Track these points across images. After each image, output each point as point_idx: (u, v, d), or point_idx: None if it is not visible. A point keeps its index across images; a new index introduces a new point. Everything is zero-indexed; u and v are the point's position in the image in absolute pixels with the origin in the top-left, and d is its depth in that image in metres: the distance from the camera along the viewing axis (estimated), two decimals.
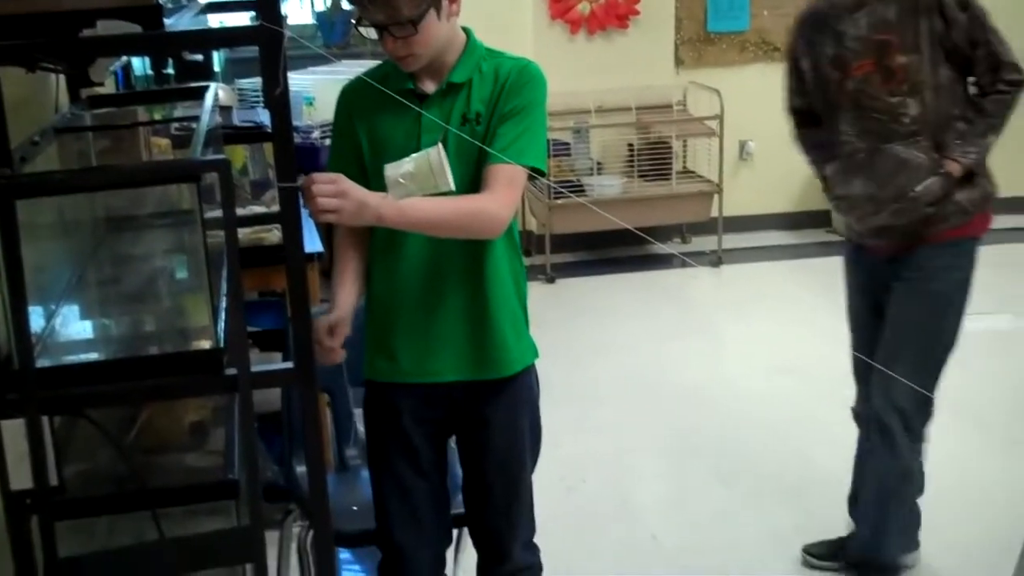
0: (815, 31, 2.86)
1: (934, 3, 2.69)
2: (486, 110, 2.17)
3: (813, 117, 2.99)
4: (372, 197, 1.97)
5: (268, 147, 3.48)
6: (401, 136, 2.17)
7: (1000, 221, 7.03)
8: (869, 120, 2.78)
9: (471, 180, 2.14)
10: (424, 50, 2.12)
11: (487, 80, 2.19)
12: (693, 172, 6.40)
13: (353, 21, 2.16)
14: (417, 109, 2.14)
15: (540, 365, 2.35)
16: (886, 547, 3.02)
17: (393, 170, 1.98)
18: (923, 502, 3.56)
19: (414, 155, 1.99)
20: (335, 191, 1.90)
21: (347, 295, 2.22)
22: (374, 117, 2.21)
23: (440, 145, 1.98)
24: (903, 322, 2.87)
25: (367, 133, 2.22)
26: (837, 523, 3.46)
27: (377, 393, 2.33)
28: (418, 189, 1.97)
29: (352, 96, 2.27)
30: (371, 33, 2.11)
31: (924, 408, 2.92)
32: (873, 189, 2.78)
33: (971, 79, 2.79)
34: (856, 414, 3.11)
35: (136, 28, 1.57)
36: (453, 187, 1.98)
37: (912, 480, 3.00)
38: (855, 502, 3.14)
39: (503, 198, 2.11)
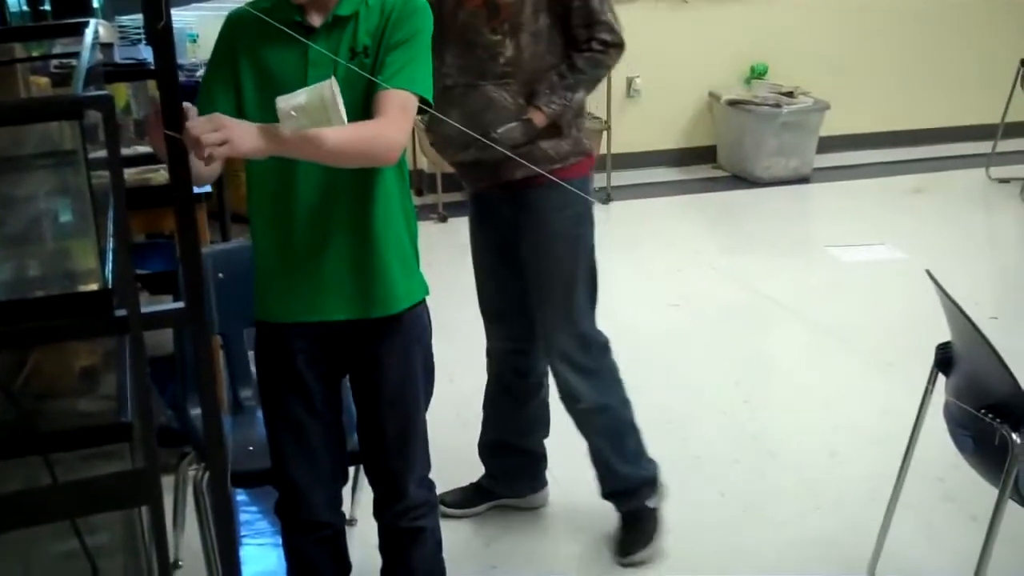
0: None
1: None
2: (373, 43, 2.16)
3: None
4: (263, 126, 1.95)
5: (152, 85, 3.40)
6: (288, 69, 2.15)
7: (883, 155, 7.28)
8: (471, 56, 2.74)
9: (360, 114, 2.12)
10: None
11: (373, 12, 2.17)
12: None
13: None
14: (305, 42, 2.10)
15: (432, 303, 2.36)
16: (634, 472, 3.07)
17: (285, 102, 1.94)
18: (806, 424, 3.70)
19: (307, 88, 1.96)
20: (216, 127, 1.82)
21: None
22: (259, 50, 2.17)
23: (334, 79, 1.94)
24: (538, 269, 2.90)
25: (252, 66, 2.18)
26: (725, 453, 3.57)
27: (268, 334, 2.32)
28: (310, 123, 1.94)
29: (237, 27, 2.21)
30: None
31: (593, 345, 2.96)
32: (464, 124, 2.69)
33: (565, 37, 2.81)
34: (489, 353, 3.15)
35: None
36: (346, 123, 1.95)
37: (627, 405, 3.06)
38: (489, 449, 3.25)
39: (397, 123, 2.09)
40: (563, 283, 2.90)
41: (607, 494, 3.09)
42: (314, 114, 1.93)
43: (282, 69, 2.15)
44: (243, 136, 1.89)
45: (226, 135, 1.83)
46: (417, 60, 2.16)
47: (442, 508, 2.99)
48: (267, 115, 2.01)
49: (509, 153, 2.58)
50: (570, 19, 2.78)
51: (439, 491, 2.51)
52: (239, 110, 2.16)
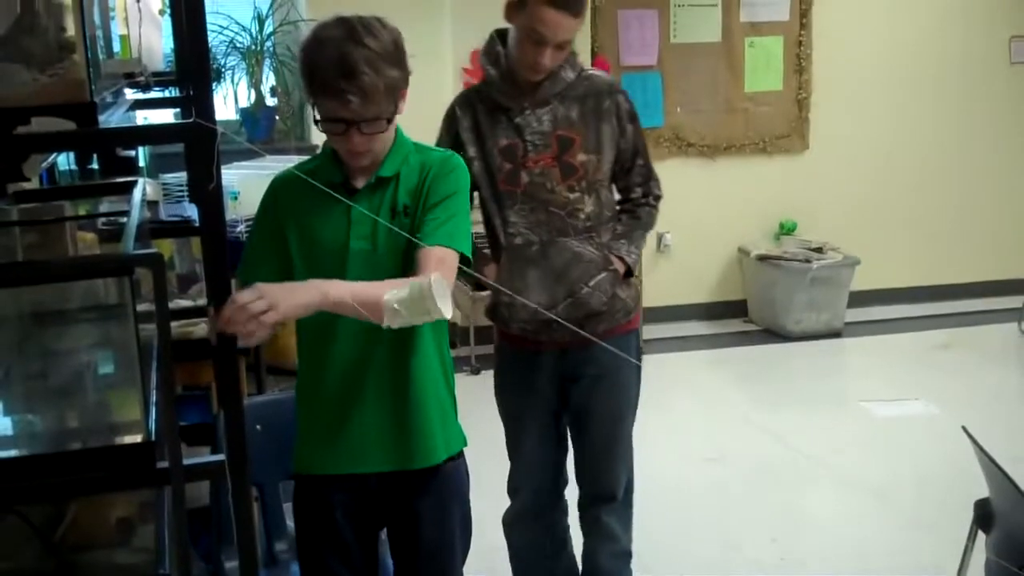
0: (488, 119, 2.79)
1: (612, 110, 2.80)
2: (412, 202, 2.21)
3: None
4: (307, 283, 1.99)
5: (195, 241, 3.49)
6: (330, 229, 2.20)
7: (914, 310, 7.26)
8: (544, 213, 2.78)
9: (401, 272, 2.15)
10: (383, 146, 2.18)
11: (413, 171, 2.23)
12: None
13: (316, 118, 2.15)
14: (347, 202, 2.16)
15: (469, 456, 2.37)
16: None
17: (393, 298, 1.98)
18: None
19: (410, 281, 1.99)
20: (259, 295, 1.86)
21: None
22: (303, 211, 2.23)
23: (435, 275, 1.98)
24: (610, 416, 2.94)
25: (296, 227, 2.23)
26: None
27: (307, 487, 2.33)
28: (410, 315, 1.98)
29: (281, 190, 2.27)
30: (334, 129, 2.10)
31: (631, 488, 3.05)
32: (548, 282, 2.78)
33: (617, 185, 2.94)
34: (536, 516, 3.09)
35: (70, 125, 1.60)
36: (450, 315, 1.99)
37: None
38: None
39: (431, 269, 2.10)
40: (627, 427, 2.98)
41: None
42: (413, 306, 1.98)
43: (325, 230, 2.20)
44: (287, 298, 1.92)
45: (270, 300, 1.87)
46: (456, 217, 2.20)
47: None
48: (312, 276, 2.06)
49: (600, 308, 2.75)
50: (628, 176, 2.91)
51: None
52: (285, 274, 2.20)
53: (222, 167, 1.64)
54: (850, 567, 3.76)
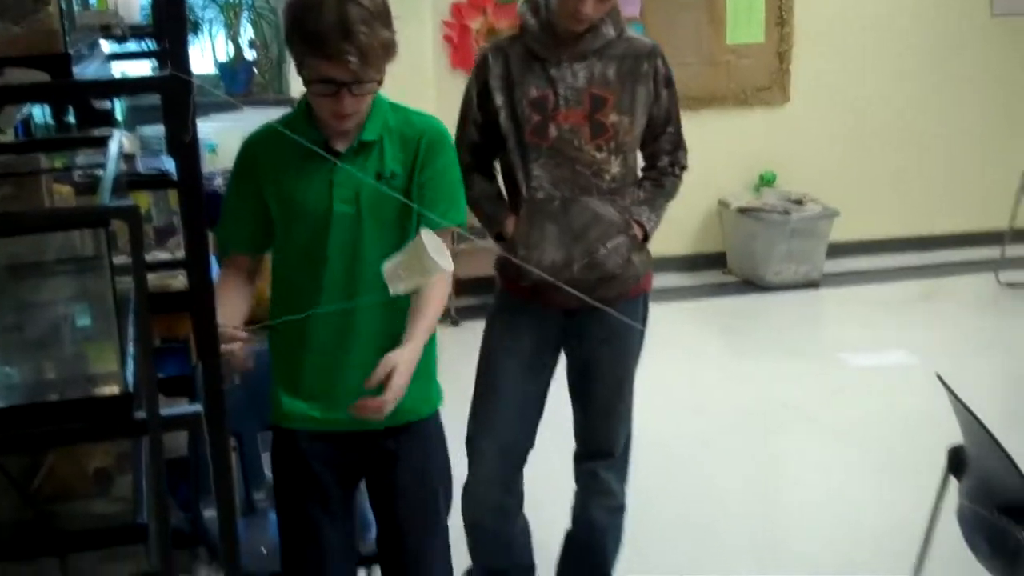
0: (520, 68, 2.73)
1: (650, 74, 2.76)
2: (403, 170, 2.22)
3: (484, 155, 2.88)
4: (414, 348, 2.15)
5: (172, 194, 3.47)
6: (313, 192, 2.19)
7: (893, 260, 7.32)
8: (569, 170, 2.72)
9: (390, 236, 2.20)
10: (367, 109, 2.17)
11: (395, 138, 2.23)
12: None
13: (306, 79, 2.14)
14: (333, 160, 2.15)
15: (446, 407, 2.39)
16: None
17: (389, 266, 2.00)
18: (823, 528, 3.68)
19: (402, 249, 2.02)
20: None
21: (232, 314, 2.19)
22: (283, 172, 2.21)
23: (424, 232, 1.98)
24: (616, 378, 2.91)
25: (276, 189, 2.22)
26: (741, 557, 3.55)
27: (285, 438, 2.34)
28: (413, 278, 2.00)
29: (258, 148, 2.26)
30: (326, 90, 2.10)
31: (629, 444, 3.03)
32: (566, 239, 2.73)
33: (644, 151, 2.89)
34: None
35: (44, 76, 1.58)
36: (451, 268, 2.00)
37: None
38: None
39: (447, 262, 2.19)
40: (629, 386, 2.96)
41: None
42: (414, 268, 1.99)
43: (308, 192, 2.20)
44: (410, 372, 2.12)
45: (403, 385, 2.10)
46: (457, 191, 2.30)
47: None
48: (291, 238, 2.13)
49: (615, 270, 2.72)
50: (657, 143, 2.87)
51: None
52: (265, 235, 2.23)
53: (200, 120, 1.63)
54: (827, 513, 3.82)
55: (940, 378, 2.55)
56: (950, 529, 2.62)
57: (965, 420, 2.49)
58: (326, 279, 2.20)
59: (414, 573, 2.38)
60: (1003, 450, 2.29)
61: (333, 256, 2.21)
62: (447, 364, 2.54)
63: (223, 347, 1.90)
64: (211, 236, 2.02)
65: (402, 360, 2.09)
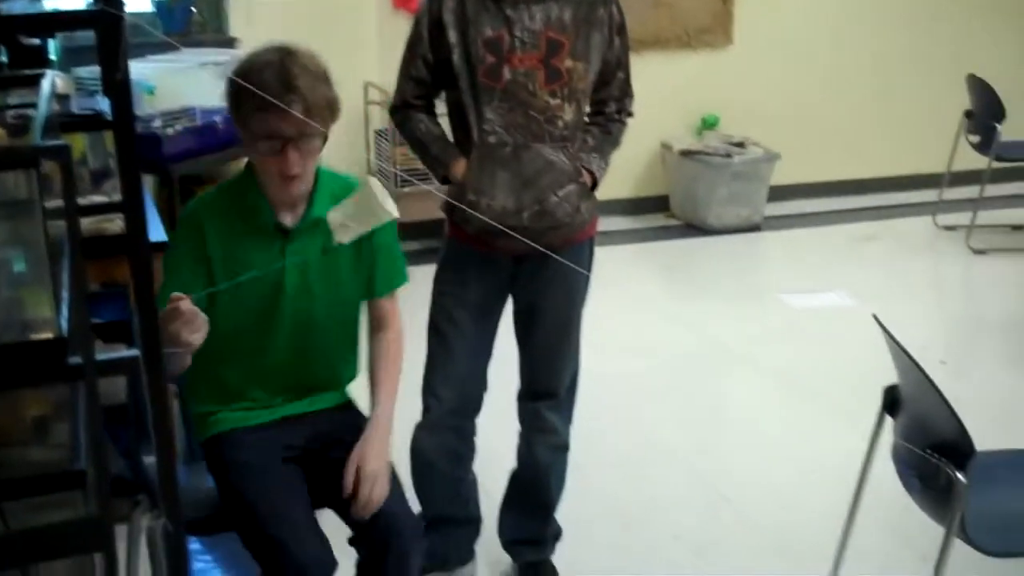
0: (475, 5, 2.65)
1: (605, 19, 2.74)
2: (352, 246, 2.29)
3: (430, 94, 2.84)
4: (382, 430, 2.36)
5: (108, 136, 3.41)
6: (262, 263, 2.27)
7: (832, 203, 7.38)
8: (521, 115, 2.67)
9: (336, 302, 2.39)
10: (311, 174, 2.27)
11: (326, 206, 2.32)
12: None
13: (251, 140, 2.23)
14: (276, 244, 2.32)
15: None
16: (556, 523, 3.16)
17: (336, 215, 2.03)
18: (760, 467, 3.74)
19: (350, 198, 2.06)
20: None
21: None
22: (231, 240, 2.28)
23: (371, 178, 2.04)
24: (563, 321, 2.92)
25: (223, 255, 2.28)
26: (679, 496, 3.60)
27: (221, 440, 2.44)
28: (361, 226, 2.04)
29: (204, 214, 2.30)
30: (271, 147, 2.20)
31: (576, 383, 3.05)
32: (516, 186, 2.69)
33: (592, 96, 2.85)
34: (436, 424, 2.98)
35: None
36: (397, 214, 2.05)
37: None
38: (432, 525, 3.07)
39: (398, 320, 2.55)
40: (575, 328, 2.95)
41: (531, 540, 3.11)
42: (360, 213, 2.02)
43: (256, 263, 2.28)
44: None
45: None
46: (397, 255, 2.51)
47: None
48: (238, 299, 2.25)
49: (564, 219, 2.70)
50: (607, 88, 2.84)
51: None
52: (206, 287, 2.28)
53: (137, 61, 1.60)
54: (765, 453, 3.88)
55: (876, 319, 2.59)
56: (886, 467, 2.67)
57: (900, 360, 2.53)
58: (274, 346, 2.37)
59: (385, 533, 2.38)
60: (936, 389, 2.34)
61: (282, 322, 2.37)
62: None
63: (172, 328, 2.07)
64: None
65: (371, 458, 2.30)
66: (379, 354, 2.47)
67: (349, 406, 2.59)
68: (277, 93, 2.14)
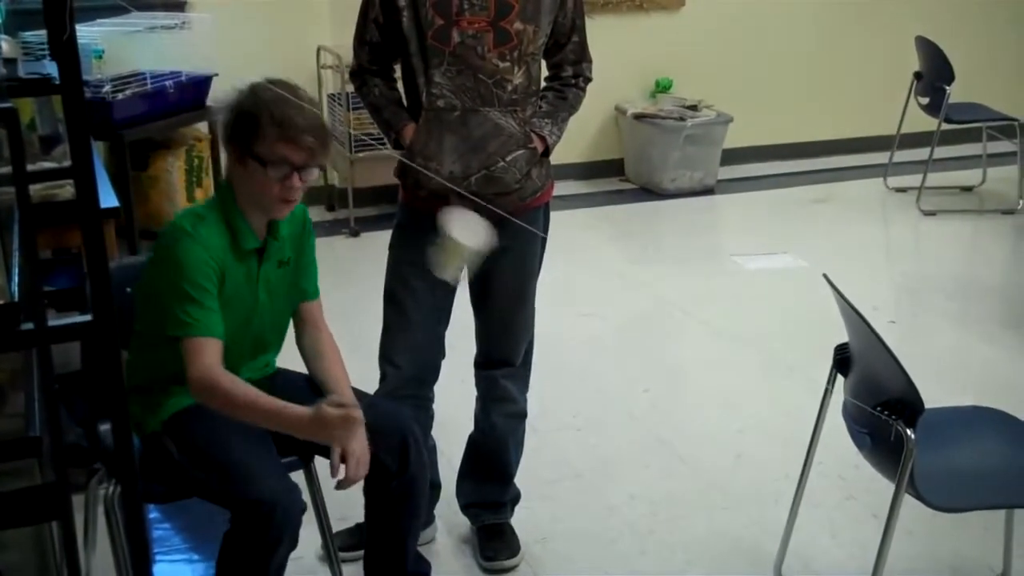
0: None
1: None
2: (294, 254, 2.55)
3: (384, 58, 2.82)
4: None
5: (57, 101, 3.36)
6: (244, 284, 2.45)
7: (785, 166, 7.44)
8: (470, 78, 2.66)
9: (282, 311, 2.58)
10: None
11: (287, 225, 2.51)
12: None
13: (262, 162, 2.35)
14: (255, 263, 2.47)
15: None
16: (514, 486, 3.17)
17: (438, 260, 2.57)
18: (714, 426, 3.78)
19: (442, 247, 2.55)
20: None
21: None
22: (227, 264, 2.41)
23: (449, 222, 2.52)
24: (517, 288, 2.91)
25: (221, 279, 2.39)
26: (635, 455, 3.63)
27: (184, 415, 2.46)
28: (466, 262, 2.56)
29: (208, 243, 2.37)
30: (282, 171, 2.35)
31: (531, 351, 3.06)
32: (464, 150, 2.69)
33: (548, 60, 2.85)
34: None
35: None
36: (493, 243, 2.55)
37: None
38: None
39: (323, 322, 2.66)
40: (529, 296, 2.95)
41: (490, 504, 3.12)
42: (459, 259, 2.56)
43: (241, 285, 2.44)
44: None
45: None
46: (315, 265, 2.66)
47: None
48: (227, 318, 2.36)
49: (513, 186, 2.69)
50: (561, 52, 2.82)
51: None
52: None
53: (86, 24, 1.57)
54: (717, 413, 3.92)
55: (827, 278, 2.62)
56: (838, 425, 2.71)
57: (850, 319, 2.56)
58: (237, 348, 2.45)
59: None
60: (886, 347, 2.37)
61: (249, 329, 2.50)
62: (349, 276, 2.55)
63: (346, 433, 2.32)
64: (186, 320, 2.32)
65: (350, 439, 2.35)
66: (325, 351, 2.61)
67: (281, 370, 2.71)
68: (300, 126, 2.33)
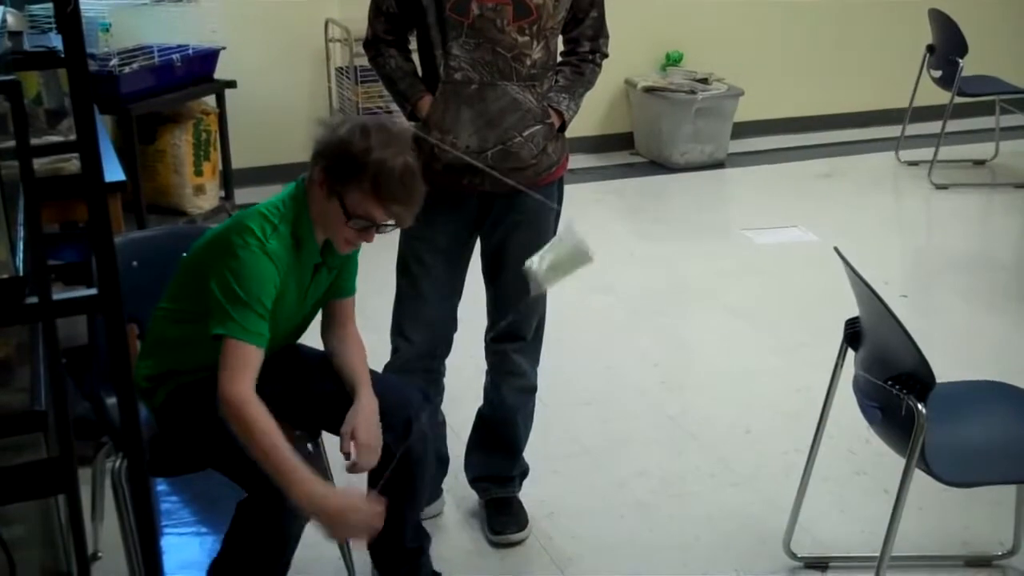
0: None
1: None
2: (344, 258, 2.51)
3: (401, 29, 2.79)
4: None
5: (63, 75, 3.35)
6: (299, 294, 2.44)
7: (796, 140, 7.40)
8: (488, 52, 2.63)
9: (319, 307, 2.57)
10: None
11: None
12: None
13: (347, 214, 2.33)
14: (309, 274, 2.45)
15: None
16: (524, 461, 3.16)
17: (542, 264, 2.31)
18: (723, 401, 3.77)
19: (551, 247, 2.34)
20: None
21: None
22: (287, 276, 2.37)
23: (568, 231, 2.34)
24: (522, 261, 2.73)
25: (280, 293, 2.36)
26: (645, 432, 3.63)
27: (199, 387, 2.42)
28: (566, 273, 2.32)
29: (278, 258, 2.33)
30: (363, 225, 2.35)
31: (543, 326, 3.05)
32: (480, 124, 2.67)
33: (565, 35, 2.82)
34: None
35: None
36: (594, 258, 2.32)
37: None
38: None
39: (353, 318, 2.64)
40: None
41: (499, 477, 3.12)
42: (568, 265, 2.35)
43: (295, 294, 2.43)
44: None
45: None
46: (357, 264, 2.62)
47: None
48: (273, 331, 2.32)
49: (530, 161, 2.67)
50: (580, 27, 2.80)
51: None
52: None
53: None
54: (727, 389, 3.91)
55: (838, 251, 2.60)
56: (848, 399, 2.70)
57: (861, 292, 2.54)
58: (274, 341, 2.38)
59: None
60: (897, 321, 2.35)
61: (283, 330, 2.48)
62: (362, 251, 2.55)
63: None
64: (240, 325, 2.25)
65: (362, 430, 2.39)
66: (354, 346, 2.58)
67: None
68: (396, 196, 2.32)
